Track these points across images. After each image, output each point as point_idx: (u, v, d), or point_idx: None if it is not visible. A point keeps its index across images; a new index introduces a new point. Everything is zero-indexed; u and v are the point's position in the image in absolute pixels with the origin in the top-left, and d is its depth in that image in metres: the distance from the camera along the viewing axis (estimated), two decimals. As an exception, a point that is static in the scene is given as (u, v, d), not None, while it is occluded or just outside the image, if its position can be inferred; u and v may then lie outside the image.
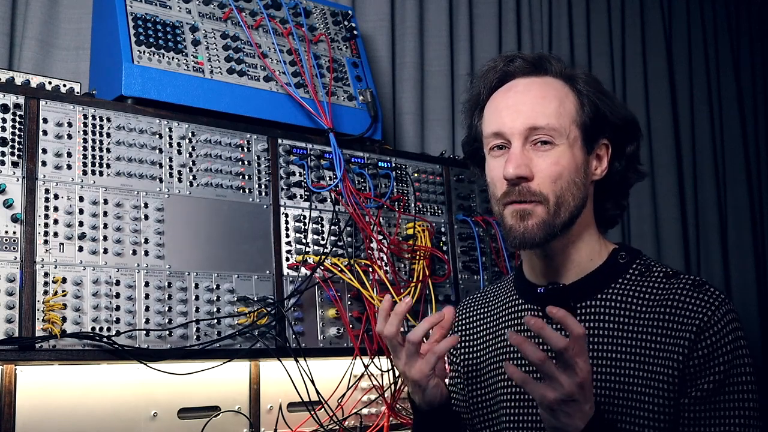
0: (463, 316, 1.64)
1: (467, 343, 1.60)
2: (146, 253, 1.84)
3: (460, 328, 1.63)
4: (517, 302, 1.52)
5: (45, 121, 1.77)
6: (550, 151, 1.37)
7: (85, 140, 1.82)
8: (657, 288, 1.38)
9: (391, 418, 2.14)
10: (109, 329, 1.74)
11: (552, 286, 1.43)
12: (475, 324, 1.61)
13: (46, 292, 1.68)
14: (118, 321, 1.76)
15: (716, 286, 1.37)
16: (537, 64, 1.44)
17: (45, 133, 1.77)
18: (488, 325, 1.57)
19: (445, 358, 1.46)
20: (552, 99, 1.39)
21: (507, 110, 1.40)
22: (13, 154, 1.72)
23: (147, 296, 1.81)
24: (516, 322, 1.50)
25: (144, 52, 1.96)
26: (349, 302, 2.12)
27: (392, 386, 2.13)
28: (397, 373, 2.11)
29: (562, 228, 1.38)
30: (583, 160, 1.40)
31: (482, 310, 1.61)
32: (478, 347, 1.57)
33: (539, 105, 1.38)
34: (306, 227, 2.11)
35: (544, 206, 1.36)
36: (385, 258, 2.20)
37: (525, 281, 1.51)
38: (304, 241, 2.10)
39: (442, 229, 2.39)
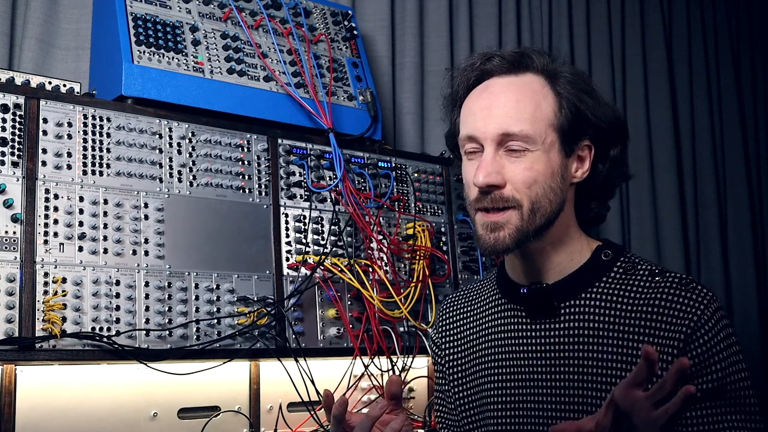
0: (446, 315, 1.61)
1: (451, 343, 1.58)
2: (146, 253, 1.84)
3: (443, 328, 1.61)
4: (500, 301, 1.49)
5: (45, 121, 1.77)
6: (523, 157, 1.33)
7: (85, 140, 1.82)
8: (643, 286, 1.35)
9: (391, 418, 2.13)
10: (109, 329, 1.74)
11: (534, 286, 1.41)
12: (458, 323, 1.58)
13: (46, 292, 1.68)
14: (118, 321, 1.76)
15: (703, 284, 1.34)
16: (516, 61, 1.39)
17: (45, 133, 1.77)
18: (471, 325, 1.55)
19: (430, 358, 1.43)
20: (528, 102, 1.34)
21: (480, 113, 1.36)
22: (13, 154, 1.72)
23: (147, 296, 1.81)
24: (499, 321, 1.48)
25: (144, 52, 1.96)
26: (349, 302, 2.12)
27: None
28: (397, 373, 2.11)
29: (537, 232, 1.35)
30: (560, 163, 1.36)
31: (465, 309, 1.58)
32: (462, 347, 1.55)
33: (513, 109, 1.34)
34: (306, 227, 2.11)
35: (517, 211, 1.33)
36: (385, 258, 2.20)
37: (508, 280, 1.48)
38: (304, 241, 2.10)
39: (442, 229, 2.39)
